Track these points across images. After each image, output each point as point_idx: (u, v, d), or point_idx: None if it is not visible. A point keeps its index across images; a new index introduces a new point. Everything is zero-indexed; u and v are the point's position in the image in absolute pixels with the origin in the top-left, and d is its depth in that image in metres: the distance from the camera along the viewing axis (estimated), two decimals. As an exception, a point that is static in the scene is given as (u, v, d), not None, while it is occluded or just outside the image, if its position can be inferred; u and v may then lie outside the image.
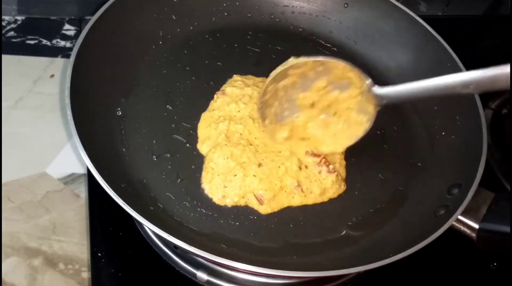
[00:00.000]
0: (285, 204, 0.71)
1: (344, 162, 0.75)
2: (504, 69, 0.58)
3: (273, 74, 0.71)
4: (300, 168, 0.72)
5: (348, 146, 0.74)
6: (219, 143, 0.73)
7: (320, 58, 0.70)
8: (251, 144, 0.73)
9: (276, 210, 0.70)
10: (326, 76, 0.71)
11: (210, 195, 0.70)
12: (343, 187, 0.73)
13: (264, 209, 0.69)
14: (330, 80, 0.72)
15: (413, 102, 0.81)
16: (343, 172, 0.75)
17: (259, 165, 0.71)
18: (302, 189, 0.71)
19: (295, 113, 0.74)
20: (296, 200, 0.71)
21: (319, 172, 0.72)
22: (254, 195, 0.69)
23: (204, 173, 0.72)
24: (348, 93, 0.72)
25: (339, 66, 0.70)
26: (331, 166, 0.72)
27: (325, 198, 0.72)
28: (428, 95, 0.66)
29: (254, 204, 0.69)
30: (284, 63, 0.71)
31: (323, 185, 0.72)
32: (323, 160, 0.73)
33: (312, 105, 0.73)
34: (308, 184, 0.71)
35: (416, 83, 0.66)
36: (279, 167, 0.71)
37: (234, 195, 0.70)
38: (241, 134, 0.74)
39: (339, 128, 0.74)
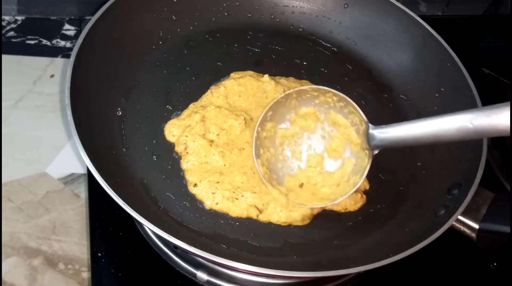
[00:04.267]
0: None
1: None
2: None
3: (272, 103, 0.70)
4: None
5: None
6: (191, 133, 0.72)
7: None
8: (231, 146, 0.73)
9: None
10: (327, 141, 0.71)
11: (201, 199, 0.70)
12: (362, 200, 0.73)
13: (264, 217, 0.69)
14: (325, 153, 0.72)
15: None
16: (365, 183, 0.74)
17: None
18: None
19: (288, 172, 0.72)
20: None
21: None
22: (255, 206, 0.69)
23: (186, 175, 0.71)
24: (341, 172, 0.70)
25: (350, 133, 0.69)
26: None
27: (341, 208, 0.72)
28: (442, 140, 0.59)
29: (253, 214, 0.69)
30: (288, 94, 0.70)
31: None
32: None
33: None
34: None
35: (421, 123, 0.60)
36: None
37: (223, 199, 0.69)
38: (223, 129, 0.74)
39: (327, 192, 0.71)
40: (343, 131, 0.70)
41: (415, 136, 0.60)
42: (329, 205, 0.69)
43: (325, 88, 0.70)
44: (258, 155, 0.71)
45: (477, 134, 0.54)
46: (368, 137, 0.66)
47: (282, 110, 0.72)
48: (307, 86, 0.71)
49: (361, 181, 0.67)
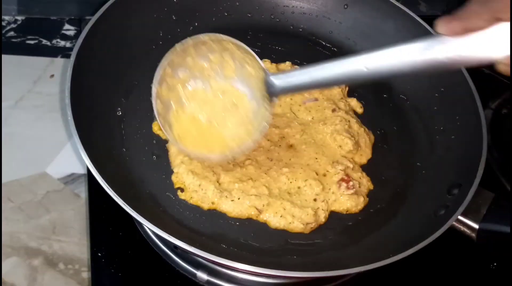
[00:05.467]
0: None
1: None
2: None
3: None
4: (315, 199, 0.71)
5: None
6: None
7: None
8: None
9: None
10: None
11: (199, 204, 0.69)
12: (364, 203, 0.72)
13: (263, 218, 0.69)
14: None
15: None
16: (369, 184, 0.74)
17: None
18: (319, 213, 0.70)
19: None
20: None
21: (339, 187, 0.71)
22: (255, 206, 0.69)
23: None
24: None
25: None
26: (351, 183, 0.72)
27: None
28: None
29: (253, 215, 0.69)
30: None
31: (343, 204, 0.71)
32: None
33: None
34: (325, 206, 0.70)
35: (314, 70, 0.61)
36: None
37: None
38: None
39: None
40: (243, 77, 0.68)
41: (317, 82, 0.62)
42: (237, 150, 0.67)
43: (222, 36, 0.68)
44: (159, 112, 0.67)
45: (373, 76, 0.58)
46: (267, 84, 0.65)
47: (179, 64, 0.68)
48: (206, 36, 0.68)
49: (265, 126, 0.66)
